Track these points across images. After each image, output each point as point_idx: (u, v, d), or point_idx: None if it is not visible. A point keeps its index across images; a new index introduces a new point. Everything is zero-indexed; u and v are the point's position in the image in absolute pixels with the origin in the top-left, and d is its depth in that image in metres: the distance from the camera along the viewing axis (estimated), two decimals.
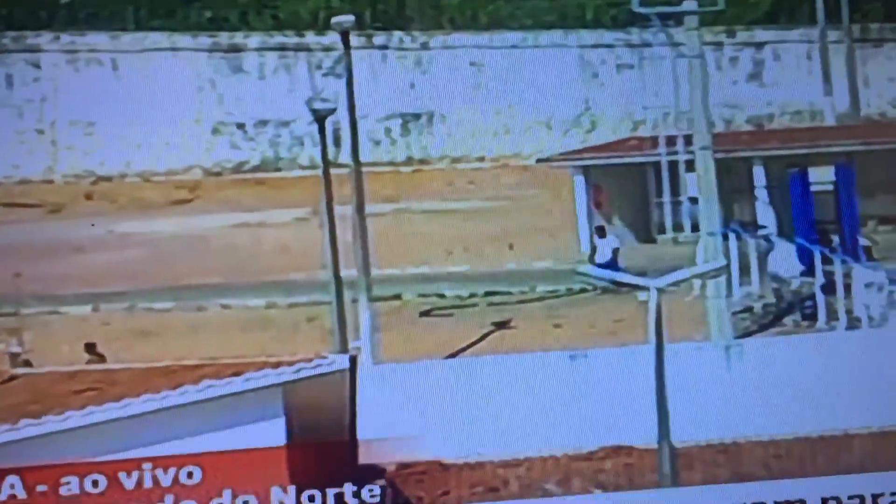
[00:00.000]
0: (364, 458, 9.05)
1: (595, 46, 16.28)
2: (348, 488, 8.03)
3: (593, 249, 13.08)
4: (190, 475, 7.99)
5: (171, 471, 7.98)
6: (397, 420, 9.98)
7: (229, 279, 12.39)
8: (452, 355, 11.43)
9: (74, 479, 7.89)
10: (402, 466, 9.25)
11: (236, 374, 9.44)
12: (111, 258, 12.34)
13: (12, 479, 7.78)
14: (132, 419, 8.86)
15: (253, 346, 11.15)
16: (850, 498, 7.81)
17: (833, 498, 7.77)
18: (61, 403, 8.88)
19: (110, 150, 14.71)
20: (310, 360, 9.55)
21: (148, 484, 7.87)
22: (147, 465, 7.91)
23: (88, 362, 11.66)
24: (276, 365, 9.53)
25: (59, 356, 10.99)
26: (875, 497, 7.81)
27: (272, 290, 12.20)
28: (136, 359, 10.39)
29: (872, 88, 17.04)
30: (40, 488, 7.77)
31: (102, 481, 7.93)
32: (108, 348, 11.21)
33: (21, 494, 7.74)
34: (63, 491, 7.76)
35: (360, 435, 9.33)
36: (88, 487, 7.84)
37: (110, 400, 8.99)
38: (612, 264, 12.74)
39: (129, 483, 7.91)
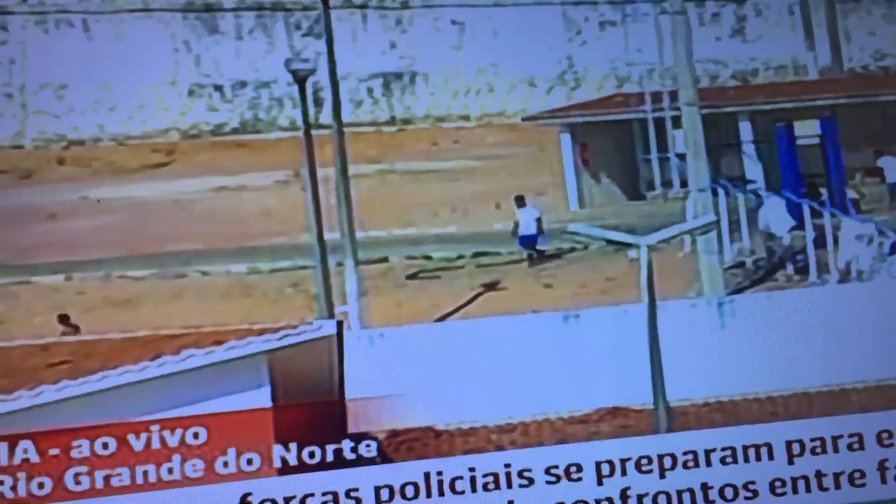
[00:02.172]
0: (353, 424, 8.90)
1: (577, 3, 16.02)
2: (346, 444, 8.03)
3: (515, 224, 12.52)
4: (196, 436, 8.03)
5: (178, 432, 8.04)
6: (387, 386, 9.81)
7: (209, 245, 12.05)
8: (441, 318, 11.25)
9: (86, 443, 7.92)
10: (394, 434, 9.07)
11: (218, 342, 9.23)
12: (85, 225, 11.95)
13: (25, 443, 7.76)
14: (109, 392, 8.65)
15: (235, 314, 10.87)
16: (850, 435, 7.76)
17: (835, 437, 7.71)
18: (34, 378, 8.65)
19: (83, 114, 14.26)
20: (295, 327, 9.35)
21: (156, 445, 7.95)
22: (155, 427, 7.98)
23: (62, 334, 11.31)
24: (260, 332, 9.33)
25: (31, 328, 10.65)
26: (879, 434, 7.75)
27: (254, 256, 11.90)
28: (113, 329, 10.10)
29: (854, 42, 16.94)
30: (52, 452, 7.75)
31: (112, 444, 7.98)
32: (82, 319, 10.87)
33: (34, 458, 7.74)
34: (74, 454, 7.76)
35: (349, 402, 9.15)
36: (99, 450, 7.89)
37: (86, 373, 8.77)
38: (536, 236, 12.31)
39: (137, 445, 8.00)
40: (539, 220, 12.42)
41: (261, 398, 9.09)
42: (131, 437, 8.10)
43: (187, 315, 10.84)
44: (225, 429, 8.24)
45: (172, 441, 8.15)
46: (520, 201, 12.29)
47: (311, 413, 8.97)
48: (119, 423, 8.09)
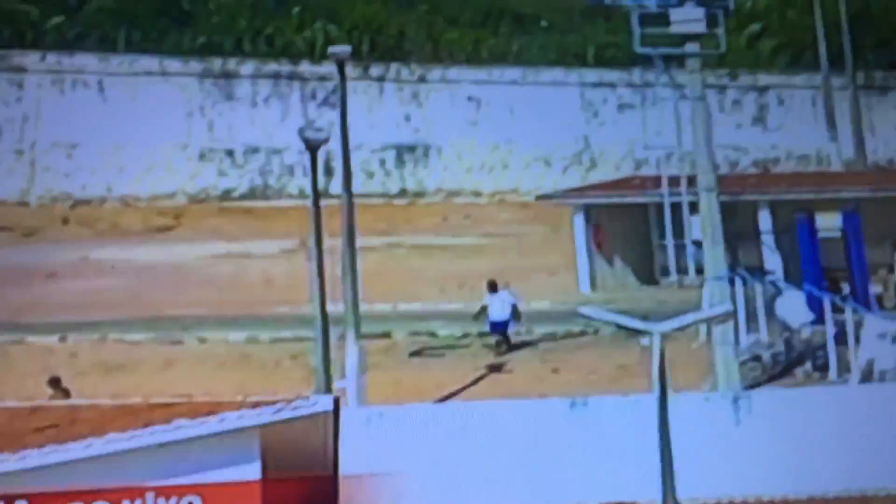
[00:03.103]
0: (346, 500, 8.49)
1: (596, 85, 15.97)
2: None
3: (482, 308, 12.13)
4: None
5: (173, 499, 7.76)
6: (382, 467, 9.39)
7: (209, 311, 11.76)
8: (443, 399, 10.85)
9: None
10: None
11: (211, 413, 8.92)
12: (85, 286, 11.71)
13: (21, 503, 7.49)
14: (96, 460, 8.34)
15: (231, 384, 10.52)
16: None
17: None
18: (19, 441, 8.35)
19: (91, 174, 14.19)
20: (290, 401, 9.03)
21: None
22: (150, 494, 7.71)
23: (52, 397, 11.01)
24: (255, 405, 9.02)
25: (21, 389, 10.34)
26: None
27: (254, 325, 11.58)
28: (104, 395, 9.77)
29: (878, 135, 16.78)
30: None
31: None
32: (74, 383, 10.54)
33: None
34: None
35: (342, 482, 8.77)
36: None
37: (72, 438, 8.46)
38: (507, 322, 11.89)
39: None
40: (514, 307, 12.02)
41: (251, 473, 8.76)
42: (126, 503, 7.87)
43: (182, 383, 10.51)
44: (220, 499, 8.00)
45: None
46: (491, 286, 11.94)
47: (302, 489, 8.64)
48: (115, 487, 7.88)
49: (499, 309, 11.94)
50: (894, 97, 16.84)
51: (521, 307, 12.91)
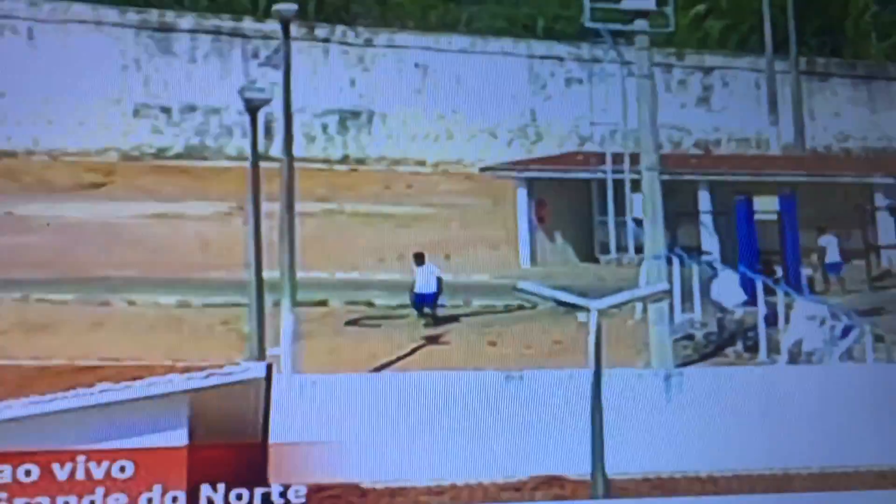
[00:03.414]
0: (275, 472, 8.40)
1: (544, 58, 15.84)
2: (275, 488, 7.69)
3: (414, 281, 12.07)
4: (122, 469, 7.70)
5: (105, 464, 7.67)
6: (314, 436, 9.30)
7: (139, 273, 11.44)
8: (378, 369, 10.77)
9: (7, 468, 7.53)
10: (317, 489, 8.56)
11: (139, 377, 8.73)
12: (7, 242, 11.26)
13: None
14: (20, 422, 8.11)
15: (161, 349, 10.28)
16: None
17: None
18: None
19: (18, 125, 13.58)
20: (221, 367, 8.88)
21: (80, 475, 7.59)
22: (81, 458, 7.63)
23: None
24: (184, 370, 8.85)
25: None
26: None
27: (186, 288, 11.31)
28: (26, 356, 9.44)
29: (817, 121, 17.00)
30: None
31: (35, 471, 7.59)
32: None
33: None
34: None
35: (271, 450, 8.65)
36: (21, 477, 7.51)
37: None
38: (434, 294, 11.90)
39: (61, 474, 7.65)
40: (439, 280, 11.96)
41: (177, 439, 8.61)
42: (55, 466, 7.74)
43: (109, 346, 10.22)
44: (152, 464, 7.90)
45: (98, 473, 7.82)
46: (418, 258, 11.86)
47: (230, 457, 8.53)
48: (45, 450, 7.74)
49: (424, 282, 11.85)
50: (835, 84, 17.08)
51: (462, 280, 12.83)
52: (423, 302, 11.74)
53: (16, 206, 11.84)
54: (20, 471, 7.63)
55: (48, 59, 13.66)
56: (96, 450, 8.03)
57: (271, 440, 8.88)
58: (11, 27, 14.14)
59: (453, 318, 11.18)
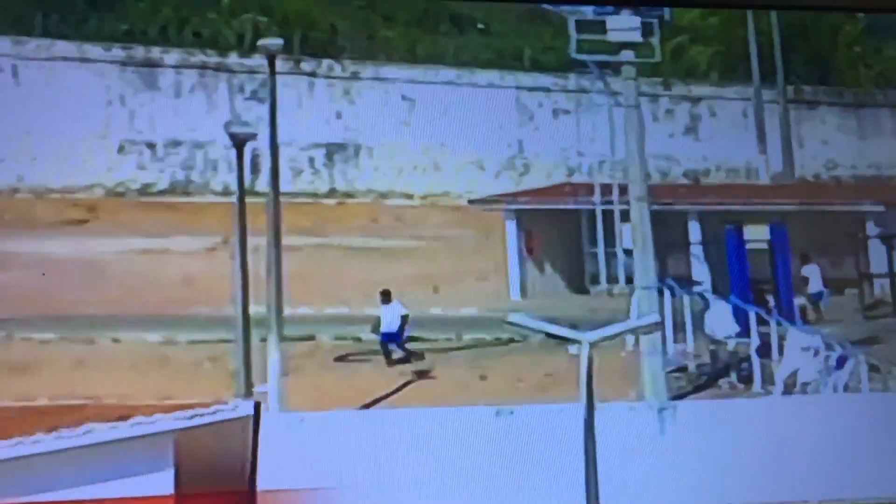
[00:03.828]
0: None
1: (532, 89, 15.83)
2: None
3: (377, 319, 11.98)
4: None
5: None
6: (303, 474, 9.17)
7: (124, 310, 11.28)
8: (367, 405, 10.63)
9: None
10: None
11: (123, 417, 8.64)
12: None
13: None
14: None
15: (145, 387, 10.10)
16: None
17: None
18: None
19: (1, 162, 13.46)
20: (208, 405, 8.79)
21: None
22: None
23: None
24: (170, 409, 8.76)
25: None
26: None
27: (171, 325, 11.16)
28: (8, 396, 9.25)
29: (806, 149, 17.01)
30: None
31: None
32: None
33: None
34: None
35: (260, 487, 8.53)
36: None
37: None
38: (398, 334, 11.80)
39: None
40: (404, 318, 11.85)
41: (163, 481, 8.52)
42: None
43: (93, 385, 10.03)
44: None
45: None
46: (385, 296, 11.76)
47: (217, 501, 8.44)
48: (51, 501, 7.63)
49: (389, 320, 11.73)
50: (823, 112, 17.10)
51: (451, 313, 12.73)
52: (388, 340, 11.63)
53: None
54: None
55: (32, 96, 13.57)
56: (90, 500, 7.93)
57: (259, 481, 8.76)
58: None
59: (414, 355, 11.04)
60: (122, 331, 11.25)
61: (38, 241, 11.67)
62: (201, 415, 8.92)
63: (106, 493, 8.50)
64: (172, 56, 15.69)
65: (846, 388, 11.55)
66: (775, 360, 12.55)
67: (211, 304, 11.53)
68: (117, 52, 15.46)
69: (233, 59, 15.93)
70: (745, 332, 13.35)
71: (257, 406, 8.90)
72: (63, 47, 15.10)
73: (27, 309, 10.88)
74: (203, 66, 16.26)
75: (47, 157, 14.27)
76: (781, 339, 12.63)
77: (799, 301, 14.21)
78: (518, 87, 16.96)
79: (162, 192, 14.56)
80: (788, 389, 12.47)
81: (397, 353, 11.27)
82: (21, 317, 10.84)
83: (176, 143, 15.73)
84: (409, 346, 12.26)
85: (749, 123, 17.19)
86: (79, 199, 13.02)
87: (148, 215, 13.09)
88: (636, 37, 12.52)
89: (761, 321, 13.21)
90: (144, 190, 14.76)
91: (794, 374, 12.78)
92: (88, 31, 14.63)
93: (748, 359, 13.06)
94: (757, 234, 15.06)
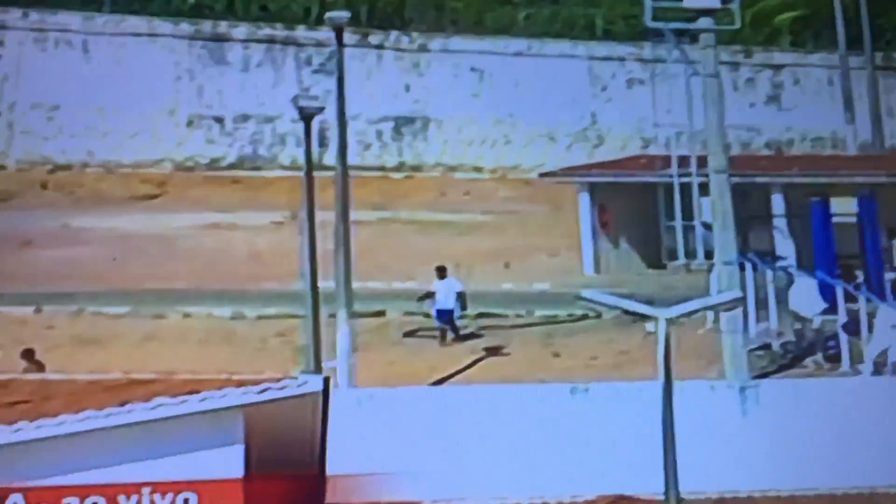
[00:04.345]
0: (332, 496, 8.10)
1: (605, 59, 15.36)
2: None
3: (427, 293, 11.50)
4: (186, 501, 7.56)
5: (169, 496, 7.55)
6: (372, 453, 8.96)
7: (193, 285, 11.26)
8: (438, 382, 10.40)
9: (75, 501, 7.43)
10: None
11: (193, 392, 8.54)
12: (62, 255, 11.17)
13: (16, 497, 7.22)
14: (70, 437, 7.94)
15: (214, 361, 10.04)
16: None
17: None
18: None
19: (73, 137, 13.57)
20: (277, 381, 8.64)
21: None
22: (146, 489, 7.50)
23: (25, 371, 10.52)
24: (239, 384, 8.62)
25: None
26: None
27: (240, 300, 11.09)
28: (80, 370, 9.29)
29: None
30: None
31: (102, 503, 7.50)
32: (48, 356, 10.03)
33: None
34: None
35: (329, 469, 8.37)
36: None
37: (45, 415, 8.07)
38: (452, 311, 11.32)
39: None
40: (461, 295, 11.42)
41: (233, 456, 8.38)
42: (122, 498, 7.68)
43: (162, 359, 10.02)
44: (216, 495, 7.74)
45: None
46: (441, 272, 11.32)
47: (287, 485, 8.27)
48: (111, 484, 7.69)
49: (444, 296, 11.39)
50: None
51: (523, 289, 12.43)
52: (445, 317, 11.32)
53: (71, 219, 11.78)
54: (87, 502, 7.52)
55: (102, 71, 13.65)
56: (161, 482, 7.89)
57: (329, 464, 8.55)
58: (66, 40, 14.17)
59: (474, 336, 10.68)
60: (191, 306, 11.24)
61: (110, 217, 11.74)
62: (271, 389, 8.77)
63: (176, 470, 8.41)
64: (240, 30, 15.65)
65: None
66: (864, 338, 11.95)
67: (278, 279, 11.44)
68: (185, 26, 15.48)
69: (300, 32, 15.82)
70: (831, 308, 12.73)
71: (326, 381, 8.72)
72: (132, 23, 15.16)
73: (98, 284, 10.94)
74: (270, 40, 16.19)
75: (117, 132, 14.38)
76: (871, 316, 12.02)
77: (890, 276, 13.50)
78: (590, 58, 16.44)
79: (230, 167, 14.56)
80: (879, 369, 11.86)
81: (450, 334, 10.97)
82: (92, 291, 10.91)
83: (244, 118, 15.72)
84: (480, 322, 11.98)
85: (835, 92, 16.39)
86: (149, 173, 13.08)
87: (216, 190, 13.10)
88: (715, 3, 11.91)
89: (849, 298, 12.57)
90: (213, 164, 14.78)
91: (884, 352, 12.14)
92: (156, 7, 14.62)
93: (835, 336, 12.45)
94: (844, 207, 14.35)
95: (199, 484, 7.76)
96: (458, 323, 11.31)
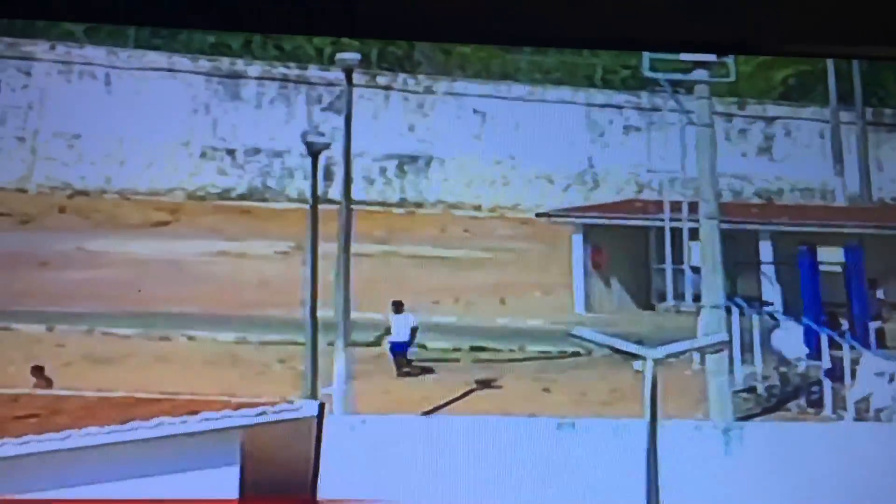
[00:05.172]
0: None
1: (603, 106, 15.86)
2: None
3: (386, 329, 11.87)
4: None
5: None
6: (364, 478, 9.28)
7: (201, 309, 11.68)
8: (430, 412, 10.74)
9: None
10: None
11: (194, 412, 8.92)
12: (77, 276, 11.60)
13: None
14: (73, 452, 8.29)
15: (217, 384, 10.42)
16: None
17: None
18: (0, 429, 8.30)
19: (92, 165, 14.08)
20: (274, 404, 9.00)
21: None
22: None
23: (35, 386, 10.89)
24: (238, 406, 9.00)
25: (4, 377, 10.21)
26: None
27: (245, 325, 11.50)
28: (88, 387, 9.66)
29: (885, 173, 16.63)
30: None
31: None
32: (58, 373, 10.41)
33: None
34: None
35: (321, 493, 8.68)
36: None
37: (52, 429, 8.44)
38: (405, 344, 11.70)
39: None
40: (414, 330, 11.80)
41: (229, 476, 8.72)
42: None
43: (168, 380, 10.40)
44: None
45: None
46: (397, 307, 11.73)
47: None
48: (96, 501, 7.92)
49: (398, 330, 11.76)
50: None
51: (516, 325, 12.79)
52: (397, 350, 11.69)
53: (86, 242, 12.23)
54: None
55: (123, 103, 14.18)
56: (159, 500, 8.11)
57: (321, 485, 8.86)
58: (90, 73, 14.74)
59: (426, 371, 11.06)
60: (197, 329, 11.63)
61: (124, 241, 12.17)
62: (267, 413, 9.13)
63: (174, 488, 8.70)
64: (255, 68, 16.24)
65: None
66: (848, 385, 12.21)
67: (283, 306, 11.83)
68: (204, 63, 16.08)
69: (312, 71, 16.39)
70: (815, 354, 13.03)
71: (321, 407, 9.08)
72: (153, 58, 15.77)
73: (109, 305, 11.34)
74: (284, 79, 16.79)
75: (134, 161, 14.91)
76: (855, 363, 12.30)
77: (874, 325, 13.82)
78: (589, 105, 16.97)
79: (240, 197, 15.05)
80: (861, 415, 12.12)
81: (405, 367, 11.31)
82: (103, 312, 11.32)
83: (255, 151, 16.24)
84: (475, 354, 12.34)
85: (825, 145, 16.81)
86: (162, 201, 13.55)
87: (226, 219, 13.54)
88: (710, 56, 12.43)
89: (834, 345, 12.86)
90: (224, 195, 15.28)
91: (867, 398, 12.42)
92: (178, 44, 15.25)
93: (819, 382, 12.73)
94: (831, 257, 14.70)
95: (196, 503, 8.01)
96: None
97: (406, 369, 11.62)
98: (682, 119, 12.98)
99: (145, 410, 9.03)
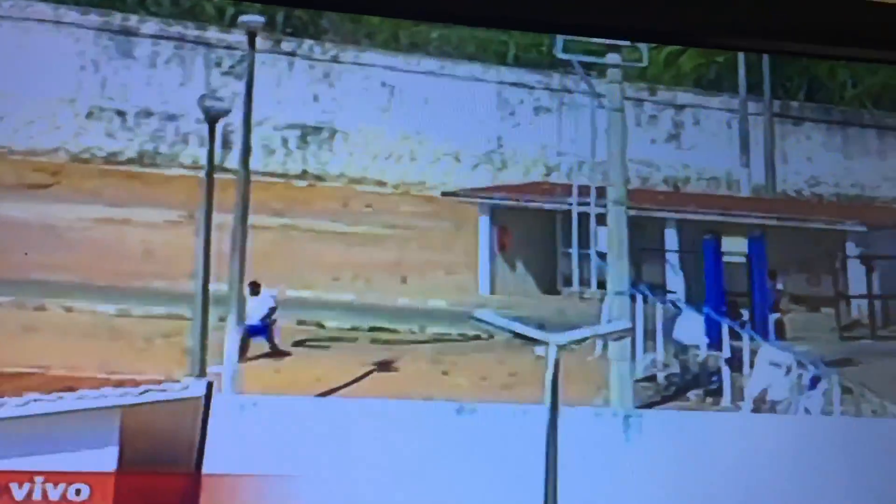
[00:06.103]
0: (208, 496, 8.06)
1: (514, 85, 15.65)
2: None
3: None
4: (78, 492, 7.56)
5: (61, 486, 7.52)
6: (253, 461, 8.89)
7: (79, 278, 10.94)
8: (325, 393, 10.33)
9: None
10: None
11: (69, 389, 8.40)
12: None
13: None
14: None
15: (95, 358, 9.75)
16: None
17: None
18: None
19: None
20: (159, 382, 8.53)
21: (37, 496, 7.49)
22: (39, 479, 7.48)
23: None
24: (118, 383, 8.50)
25: None
26: None
27: (127, 297, 10.81)
28: None
29: (790, 164, 16.91)
30: None
31: None
32: None
33: None
34: None
35: (206, 469, 8.29)
36: None
37: None
38: (264, 328, 11.29)
39: (19, 494, 7.50)
40: (272, 310, 11.20)
41: (105, 458, 8.31)
42: (13, 486, 7.64)
43: (40, 353, 9.68)
44: (108, 489, 7.74)
45: (54, 494, 7.74)
46: (254, 287, 11.12)
47: (163, 483, 8.24)
48: (3, 471, 7.59)
49: (254, 313, 11.21)
50: (808, 128, 17.03)
51: (417, 304, 12.49)
52: (252, 333, 11.17)
53: None
54: None
55: (4, 55, 13.21)
56: (54, 472, 7.86)
57: (206, 465, 8.52)
58: None
59: (282, 353, 10.62)
60: (75, 299, 10.86)
61: None
62: (151, 391, 8.64)
63: (45, 467, 8.31)
64: (150, 25, 15.35)
65: (819, 410, 11.37)
66: (746, 375, 12.31)
67: (170, 278, 11.16)
68: (94, 17, 15.11)
69: (212, 32, 15.59)
70: (716, 344, 13.09)
71: (209, 386, 8.60)
72: (39, 9, 14.71)
73: None
74: (181, 38, 15.93)
75: (13, 117, 13.87)
76: (754, 353, 12.40)
77: (773, 316, 14.02)
78: (500, 83, 16.70)
79: (129, 161, 14.21)
80: (758, 406, 12.23)
81: (257, 349, 10.83)
82: None
83: (147, 114, 15.35)
84: (372, 335, 11.95)
85: (733, 135, 17.01)
86: (42, 162, 12.63)
87: (112, 184, 12.74)
88: (624, 41, 12.35)
89: (734, 335, 12.91)
90: (111, 158, 14.41)
91: (764, 391, 12.55)
92: None
93: (718, 372, 12.81)
94: (735, 247, 14.81)
95: (92, 476, 7.80)
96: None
97: (254, 355, 11.03)
98: (593, 103, 12.87)
99: (13, 386, 8.42)
